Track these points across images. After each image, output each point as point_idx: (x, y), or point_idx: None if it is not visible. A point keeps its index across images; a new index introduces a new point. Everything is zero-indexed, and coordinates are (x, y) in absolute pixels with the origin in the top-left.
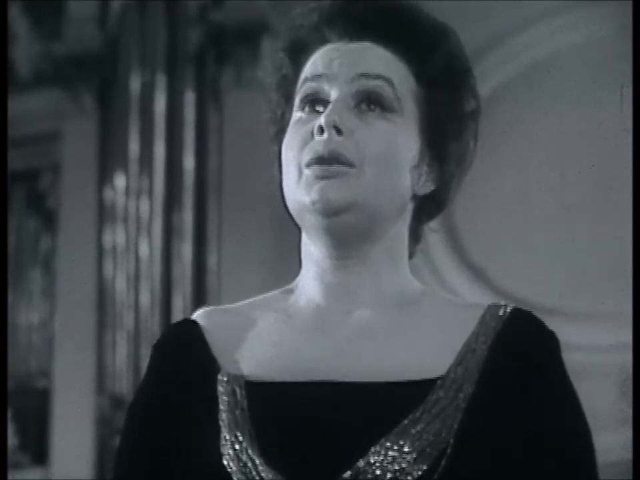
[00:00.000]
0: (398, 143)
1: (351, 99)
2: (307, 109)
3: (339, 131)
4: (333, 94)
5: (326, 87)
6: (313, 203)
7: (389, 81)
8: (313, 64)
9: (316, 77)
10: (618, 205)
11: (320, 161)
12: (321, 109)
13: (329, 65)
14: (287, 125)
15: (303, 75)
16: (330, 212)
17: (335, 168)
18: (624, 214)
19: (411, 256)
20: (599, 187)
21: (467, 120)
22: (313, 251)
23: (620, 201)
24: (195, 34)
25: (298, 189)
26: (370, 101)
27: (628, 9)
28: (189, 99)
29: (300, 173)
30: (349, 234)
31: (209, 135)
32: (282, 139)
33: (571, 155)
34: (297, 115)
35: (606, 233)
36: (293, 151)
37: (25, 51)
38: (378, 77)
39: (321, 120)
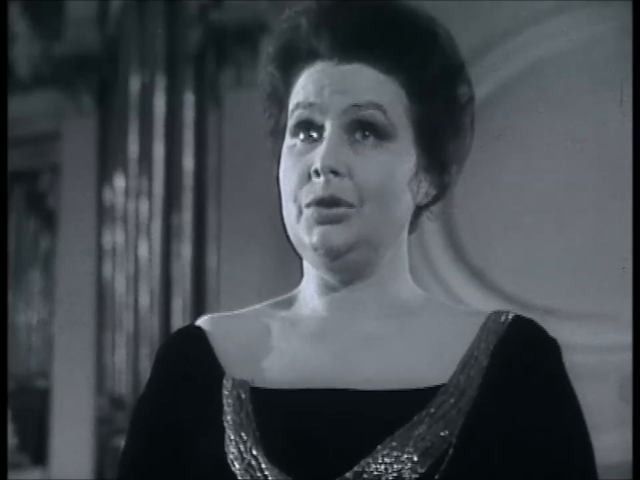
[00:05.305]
0: (395, 172)
1: (343, 132)
2: (301, 135)
3: (336, 173)
4: (327, 125)
5: (318, 116)
6: (315, 248)
7: (380, 108)
8: (305, 88)
9: (307, 105)
10: (618, 204)
11: (319, 204)
12: (315, 134)
13: (320, 93)
14: (283, 129)
15: (294, 99)
16: (333, 256)
17: (334, 211)
18: (624, 214)
19: (410, 231)
20: (599, 186)
21: (463, 115)
22: (315, 272)
23: (620, 201)
24: (194, 34)
25: (298, 226)
26: (363, 129)
27: (628, 9)
28: (189, 99)
29: (299, 211)
30: (352, 267)
31: (208, 136)
32: (279, 142)
33: (571, 155)
34: (291, 141)
35: (606, 232)
36: (290, 186)
37: (25, 50)
38: (369, 105)
39: (317, 164)
